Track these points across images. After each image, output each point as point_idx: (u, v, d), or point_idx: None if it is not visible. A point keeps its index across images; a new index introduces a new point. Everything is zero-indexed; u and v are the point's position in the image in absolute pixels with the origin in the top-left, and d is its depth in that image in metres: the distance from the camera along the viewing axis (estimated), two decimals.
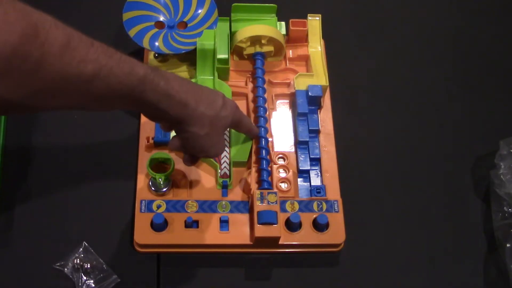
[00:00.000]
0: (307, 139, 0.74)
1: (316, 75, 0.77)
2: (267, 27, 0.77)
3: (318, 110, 0.76)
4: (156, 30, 0.77)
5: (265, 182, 0.70)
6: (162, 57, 0.79)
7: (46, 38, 0.42)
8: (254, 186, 0.70)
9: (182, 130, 0.59)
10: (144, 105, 0.54)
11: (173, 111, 0.55)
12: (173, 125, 0.60)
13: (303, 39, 0.81)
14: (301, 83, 0.76)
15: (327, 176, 0.73)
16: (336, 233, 0.69)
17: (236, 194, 0.71)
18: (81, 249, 0.67)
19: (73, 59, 0.44)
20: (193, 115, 0.57)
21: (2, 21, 0.39)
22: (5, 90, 0.42)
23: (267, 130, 0.74)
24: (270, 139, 0.74)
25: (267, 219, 0.65)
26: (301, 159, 0.73)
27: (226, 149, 0.72)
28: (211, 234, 0.67)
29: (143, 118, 0.74)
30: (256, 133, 0.72)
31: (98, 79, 0.47)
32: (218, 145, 0.63)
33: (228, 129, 0.73)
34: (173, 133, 0.72)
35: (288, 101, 0.79)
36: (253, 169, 0.71)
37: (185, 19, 0.79)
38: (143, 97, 0.52)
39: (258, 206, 0.66)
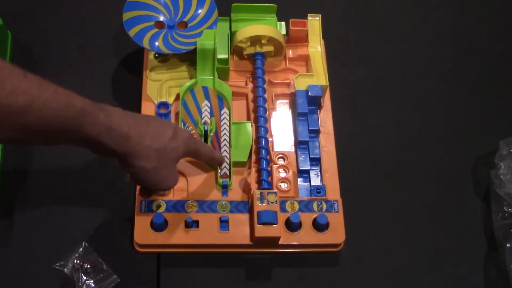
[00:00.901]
0: (307, 139, 0.74)
1: (316, 75, 0.77)
2: (267, 27, 0.77)
3: (318, 110, 0.76)
4: (156, 30, 0.77)
5: (265, 182, 0.70)
6: (162, 57, 0.79)
7: None
8: (254, 186, 0.70)
9: (127, 164, 0.57)
10: (85, 140, 0.52)
11: (114, 145, 0.54)
12: (119, 160, 0.57)
13: (303, 39, 0.81)
14: (301, 83, 0.76)
15: (327, 176, 0.73)
16: (336, 233, 0.69)
17: (236, 194, 0.71)
18: (81, 249, 0.67)
19: (4, 90, 0.44)
20: (136, 149, 0.56)
21: None
22: None
23: (267, 130, 0.74)
24: (270, 139, 0.74)
25: (267, 219, 0.66)
26: (301, 159, 0.73)
27: (226, 149, 0.72)
28: (211, 234, 0.67)
29: None
30: (220, 161, 0.69)
31: (30, 111, 0.46)
32: (169, 178, 0.61)
33: (228, 132, 0.73)
34: None
35: (288, 101, 0.79)
36: (253, 169, 0.71)
37: (185, 19, 0.79)
38: (82, 131, 0.51)
39: (258, 206, 0.66)
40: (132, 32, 0.75)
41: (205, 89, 0.75)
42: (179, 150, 0.60)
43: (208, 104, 0.75)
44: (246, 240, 0.68)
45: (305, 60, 0.81)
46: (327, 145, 0.75)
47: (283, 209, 0.69)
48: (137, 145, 0.55)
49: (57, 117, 0.48)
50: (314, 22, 0.81)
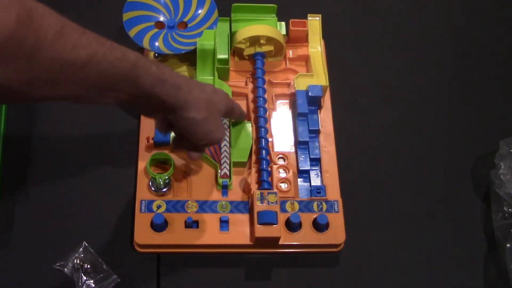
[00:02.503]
0: (307, 139, 0.74)
1: (316, 75, 0.77)
2: (266, 27, 0.77)
3: (318, 110, 0.76)
4: (156, 30, 0.77)
5: (265, 182, 0.70)
6: (162, 57, 0.79)
7: (40, 24, 0.43)
8: (254, 186, 0.70)
9: (179, 118, 0.58)
10: (139, 93, 0.53)
11: (167, 95, 0.55)
12: (169, 114, 0.58)
13: (303, 39, 0.81)
14: (301, 83, 0.76)
15: (327, 176, 0.73)
16: (336, 233, 0.69)
17: (236, 194, 0.71)
18: (81, 249, 0.67)
19: (67, 45, 0.45)
20: (187, 99, 0.57)
21: None
22: (2, 76, 0.42)
23: (267, 131, 0.74)
24: (270, 139, 0.74)
25: (267, 219, 0.66)
26: (301, 159, 0.73)
27: (226, 149, 0.72)
28: (211, 234, 0.68)
29: (143, 118, 0.74)
30: (245, 116, 0.72)
31: (91, 64, 0.47)
32: (218, 129, 0.62)
33: (228, 132, 0.73)
34: (173, 134, 0.72)
35: (288, 101, 0.79)
36: (253, 170, 0.71)
37: (185, 19, 0.79)
38: (138, 83, 0.52)
39: (258, 206, 0.66)
40: (132, 32, 0.75)
41: None
42: (222, 104, 0.62)
43: None
44: (246, 240, 0.68)
45: (305, 60, 0.81)
46: (327, 145, 0.75)
47: (283, 209, 0.69)
48: (188, 95, 0.57)
49: (115, 69, 0.50)
50: (314, 22, 0.81)
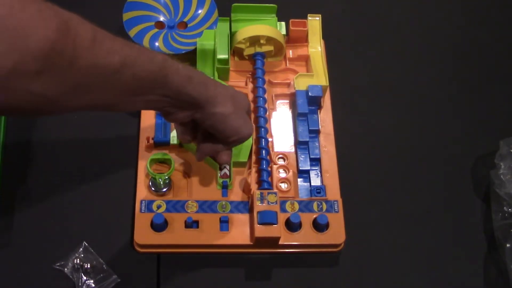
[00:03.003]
0: (307, 139, 0.74)
1: (316, 75, 0.77)
2: (266, 27, 0.77)
3: (318, 110, 0.76)
4: (156, 30, 0.77)
5: (265, 182, 0.70)
6: None
7: (76, 33, 0.44)
8: (254, 186, 0.70)
9: (207, 115, 0.59)
10: (169, 93, 0.54)
11: (196, 91, 0.56)
12: (197, 113, 0.59)
13: (303, 39, 0.81)
14: (301, 83, 0.76)
15: (327, 176, 0.73)
16: (336, 233, 0.69)
17: (236, 194, 0.71)
18: (81, 249, 0.67)
19: (101, 51, 0.46)
20: (214, 95, 0.58)
21: (39, 17, 0.41)
22: (44, 86, 0.43)
23: (267, 130, 0.74)
24: (270, 139, 0.74)
25: (267, 219, 0.66)
26: (301, 159, 0.73)
27: None
28: (211, 234, 0.67)
29: (143, 118, 0.74)
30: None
31: (125, 68, 0.48)
32: (246, 124, 0.63)
33: None
34: (173, 134, 0.72)
35: (288, 101, 0.79)
36: (253, 170, 0.71)
37: (185, 19, 0.79)
38: (168, 82, 0.53)
39: (258, 206, 0.66)
40: (132, 32, 0.75)
41: None
42: (246, 101, 0.63)
43: None
44: (246, 240, 0.68)
45: (305, 60, 0.81)
46: (327, 145, 0.75)
47: (283, 209, 0.69)
48: (215, 91, 0.58)
49: (146, 72, 0.51)
50: (314, 22, 0.81)
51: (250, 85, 0.78)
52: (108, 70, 0.47)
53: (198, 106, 0.58)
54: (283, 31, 0.80)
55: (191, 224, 0.68)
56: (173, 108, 0.58)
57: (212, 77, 0.75)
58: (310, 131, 0.75)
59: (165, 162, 0.71)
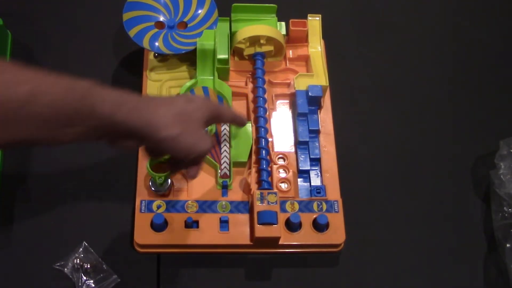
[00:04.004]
0: (307, 139, 0.74)
1: (316, 75, 0.77)
2: (266, 27, 0.77)
3: (318, 110, 0.76)
4: (156, 30, 0.77)
5: (265, 182, 0.70)
6: (162, 57, 0.79)
7: None
8: (254, 186, 0.70)
9: (153, 142, 0.54)
10: (99, 123, 0.50)
11: (129, 120, 0.51)
12: (142, 142, 0.55)
13: (303, 39, 0.81)
14: (301, 83, 0.76)
15: (327, 176, 0.73)
16: (336, 233, 0.69)
17: (236, 194, 0.71)
18: (81, 249, 0.67)
19: (3, 83, 0.44)
20: (153, 120, 0.52)
21: None
22: None
23: (267, 131, 0.74)
24: (270, 139, 0.74)
25: (267, 219, 0.66)
26: (301, 159, 0.73)
27: (226, 149, 0.72)
28: (211, 234, 0.67)
29: None
30: (242, 122, 0.66)
31: (34, 99, 0.45)
32: (201, 140, 0.56)
33: (228, 132, 0.73)
34: None
35: (288, 101, 0.79)
36: (253, 170, 0.71)
37: (185, 19, 0.79)
38: (94, 113, 0.49)
39: (258, 206, 0.66)
40: (132, 32, 0.75)
41: (205, 89, 0.75)
42: (201, 111, 0.56)
43: None
44: (246, 240, 0.68)
45: (305, 60, 0.81)
46: (327, 145, 0.75)
47: (283, 209, 0.69)
48: (152, 115, 0.52)
49: (63, 101, 0.47)
50: (314, 22, 0.81)
51: (250, 85, 0.78)
52: (13, 102, 0.44)
53: (138, 135, 0.52)
54: (283, 31, 0.80)
55: (191, 224, 0.68)
56: (114, 139, 0.53)
57: (212, 78, 0.76)
58: (310, 131, 0.75)
59: (165, 162, 0.71)
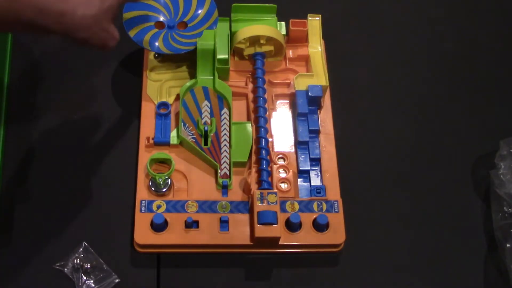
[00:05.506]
0: (307, 139, 0.74)
1: (316, 75, 0.77)
2: (266, 27, 0.77)
3: (318, 110, 0.76)
4: (156, 30, 0.77)
5: (265, 182, 0.70)
6: (162, 57, 0.79)
7: None
8: (254, 186, 0.70)
9: (71, 40, 0.59)
10: (26, 25, 0.56)
11: (52, 24, 0.57)
12: (63, 37, 0.60)
13: (303, 39, 0.81)
14: (301, 83, 0.76)
15: (327, 176, 0.73)
16: (336, 233, 0.69)
17: (236, 194, 0.71)
18: (81, 249, 0.67)
19: None
20: (73, 23, 0.58)
21: None
22: None
23: (267, 131, 0.74)
24: (270, 139, 0.74)
25: (267, 219, 0.66)
26: (301, 159, 0.73)
27: (226, 149, 0.72)
28: (211, 234, 0.67)
29: (143, 118, 0.74)
30: None
31: None
32: (111, 33, 0.62)
33: (228, 132, 0.73)
34: (173, 134, 0.73)
35: (288, 101, 0.79)
36: (253, 170, 0.71)
37: (185, 19, 0.79)
38: (20, 17, 0.55)
39: (258, 206, 0.66)
40: (132, 32, 0.75)
41: (205, 89, 0.76)
42: (114, 7, 0.62)
43: (208, 104, 0.75)
44: (246, 240, 0.68)
45: (305, 60, 0.81)
46: (327, 145, 0.75)
47: (283, 209, 0.69)
48: (72, 19, 0.58)
49: None
50: (314, 22, 0.81)
51: (250, 85, 0.78)
52: None
53: (60, 34, 0.59)
54: (283, 31, 0.80)
55: (191, 224, 0.68)
56: (40, 34, 0.61)
57: (212, 78, 0.76)
58: (310, 131, 0.75)
59: (165, 162, 0.71)
